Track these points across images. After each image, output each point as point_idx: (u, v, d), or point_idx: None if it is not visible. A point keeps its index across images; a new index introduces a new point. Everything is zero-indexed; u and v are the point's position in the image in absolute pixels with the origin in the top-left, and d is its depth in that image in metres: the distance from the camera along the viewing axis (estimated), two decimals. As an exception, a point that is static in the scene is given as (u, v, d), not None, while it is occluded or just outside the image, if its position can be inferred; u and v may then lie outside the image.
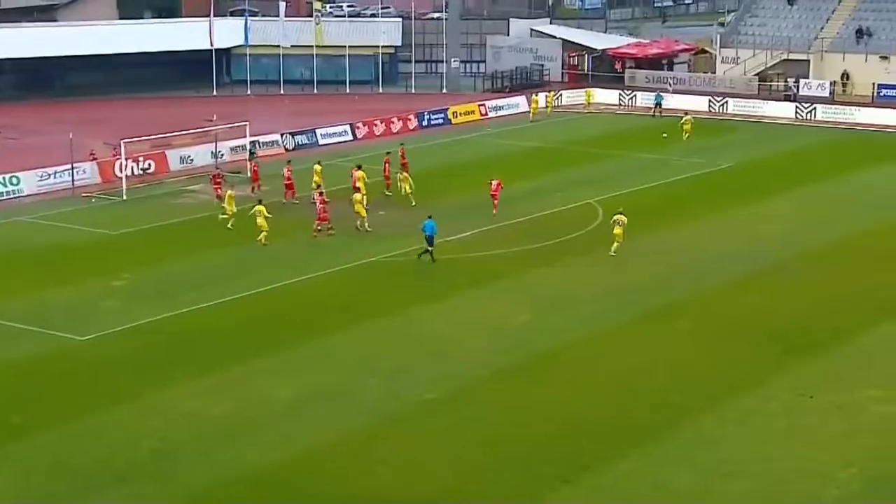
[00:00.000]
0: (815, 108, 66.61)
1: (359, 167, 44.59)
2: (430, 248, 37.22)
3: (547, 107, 67.96)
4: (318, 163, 47.02)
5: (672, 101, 67.81)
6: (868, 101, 68.30)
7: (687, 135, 58.54)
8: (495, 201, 43.42)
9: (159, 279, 36.05)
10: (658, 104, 66.12)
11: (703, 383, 27.73)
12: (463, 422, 25.60)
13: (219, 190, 44.72)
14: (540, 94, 69.35)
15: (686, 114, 60.46)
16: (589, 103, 70.07)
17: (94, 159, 49.92)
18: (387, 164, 47.31)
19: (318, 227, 40.53)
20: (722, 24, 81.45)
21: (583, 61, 79.60)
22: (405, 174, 45.90)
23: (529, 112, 66.92)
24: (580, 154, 55.57)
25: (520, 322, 32.04)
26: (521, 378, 28.12)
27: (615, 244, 37.86)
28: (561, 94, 71.24)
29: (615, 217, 38.48)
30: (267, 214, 39.60)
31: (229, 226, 41.07)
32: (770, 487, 22.73)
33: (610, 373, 28.43)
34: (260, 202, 40.55)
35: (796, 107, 67.37)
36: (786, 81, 71.88)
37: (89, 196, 47.50)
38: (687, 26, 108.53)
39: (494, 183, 43.89)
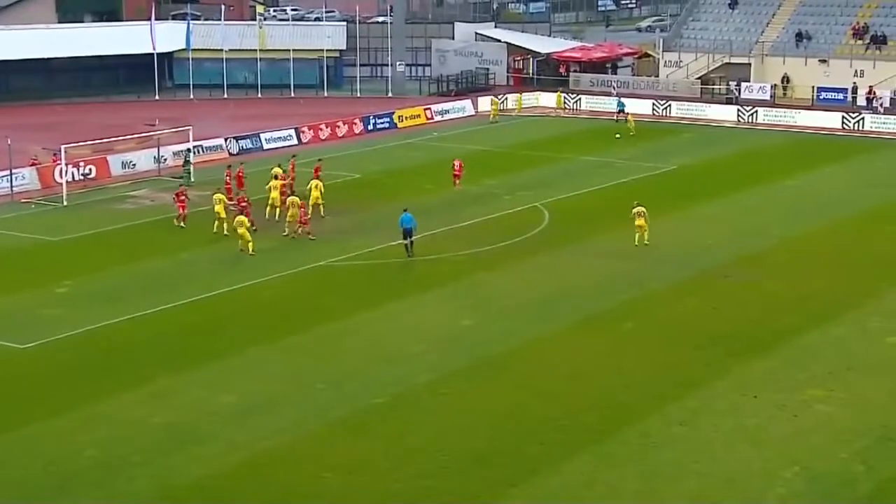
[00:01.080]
0: (756, 111, 67.54)
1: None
2: (407, 241, 37.70)
3: (517, 108, 68.99)
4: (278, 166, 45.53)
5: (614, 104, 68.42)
6: (808, 104, 69.40)
7: (630, 133, 59.95)
8: (457, 181, 47.95)
9: (102, 286, 35.61)
10: (621, 109, 66.45)
11: (648, 385, 27.97)
12: (409, 426, 25.59)
13: (183, 208, 42.01)
14: (501, 96, 70.03)
15: (628, 115, 62.45)
16: (520, 108, 70.39)
17: (35, 165, 49.18)
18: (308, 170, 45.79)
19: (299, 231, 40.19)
20: (639, 30, 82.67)
21: (528, 65, 80.00)
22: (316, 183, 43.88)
23: (490, 113, 67.57)
24: (526, 157, 55.81)
25: (465, 326, 32.10)
26: (467, 382, 28.16)
27: (638, 234, 39.09)
28: (508, 98, 71.49)
29: (635, 209, 39.29)
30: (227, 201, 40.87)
31: (250, 251, 38.60)
32: (716, 487, 22.98)
33: (555, 376, 28.57)
34: (218, 190, 41.79)
35: (738, 110, 68.25)
36: (727, 85, 72.81)
37: (29, 202, 46.80)
38: (631, 30, 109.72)
39: (457, 163, 48.40)
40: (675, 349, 30.42)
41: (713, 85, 73.82)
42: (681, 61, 76.56)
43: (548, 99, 72.62)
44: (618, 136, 58.86)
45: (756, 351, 30.21)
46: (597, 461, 23.94)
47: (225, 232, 40.36)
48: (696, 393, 27.41)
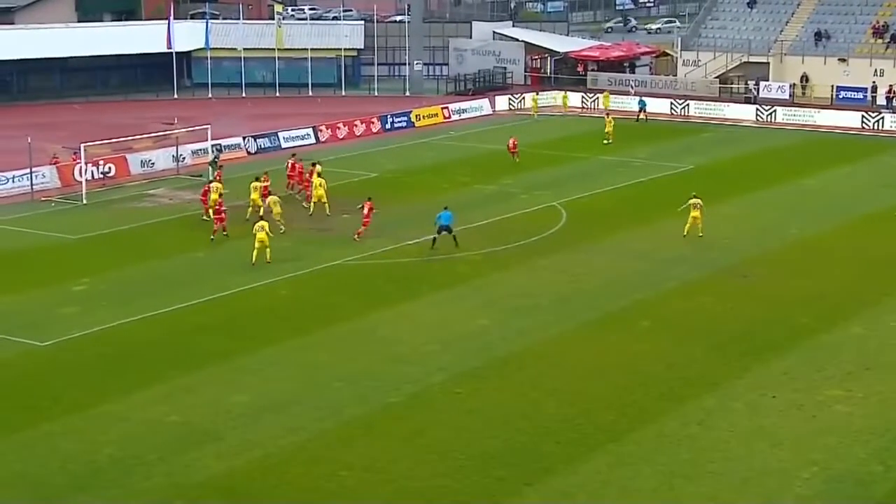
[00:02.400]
0: (775, 111, 67.22)
1: (315, 163, 45.33)
2: (451, 235, 38.36)
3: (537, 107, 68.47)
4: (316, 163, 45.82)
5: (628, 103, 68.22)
6: (827, 104, 69.03)
7: (608, 140, 58.18)
8: (515, 156, 52.75)
9: (119, 285, 35.73)
10: (642, 108, 66.29)
11: (664, 384, 27.87)
12: (425, 425, 25.56)
13: (221, 221, 41.23)
14: (539, 93, 70.49)
15: (608, 115, 60.44)
16: (566, 107, 69.92)
17: (56, 163, 49.38)
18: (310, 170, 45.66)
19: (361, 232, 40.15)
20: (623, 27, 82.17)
21: (545, 64, 79.88)
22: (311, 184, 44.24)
23: (531, 110, 68.22)
24: (544, 157, 55.73)
25: (480, 325, 32.05)
26: (483, 381, 28.12)
27: (690, 225, 39.78)
28: (525, 97, 71.35)
29: (691, 201, 40.12)
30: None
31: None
32: (733, 487, 22.87)
33: (571, 375, 28.50)
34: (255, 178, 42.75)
35: (757, 109, 67.95)
36: (746, 84, 72.52)
37: (49, 200, 47.02)
38: (649, 29, 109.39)
39: (511, 142, 53.16)
40: (692, 348, 30.30)
41: (732, 84, 73.52)
42: (699, 60, 76.30)
43: (572, 99, 72.37)
44: (606, 142, 57.95)
45: (773, 350, 30.05)
46: (613, 461, 23.86)
47: (246, 217, 41.36)
48: (713, 392, 27.29)
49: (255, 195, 42.58)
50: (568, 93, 71.22)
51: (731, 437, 24.97)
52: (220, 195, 41.97)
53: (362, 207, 40.19)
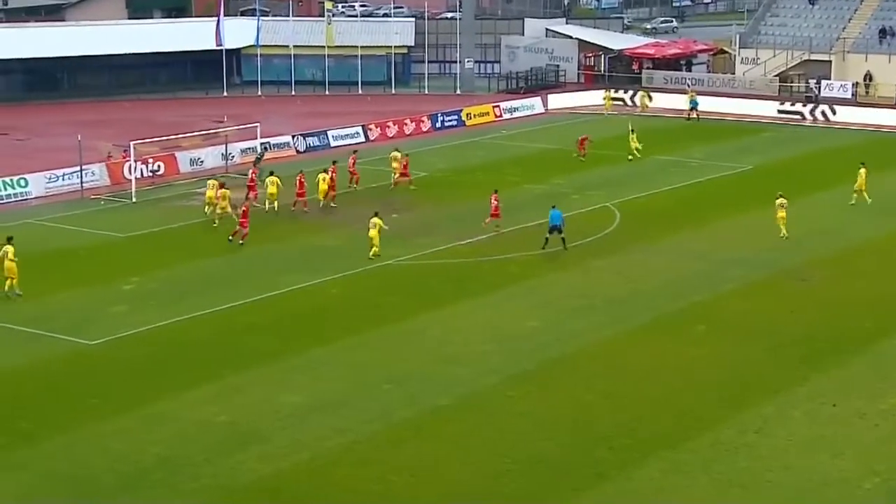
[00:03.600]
0: (837, 110, 66.27)
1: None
2: (560, 236, 38.39)
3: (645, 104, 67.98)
4: (397, 150, 49.24)
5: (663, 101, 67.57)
6: (892, 103, 67.96)
7: (632, 155, 54.34)
8: (582, 154, 53.51)
9: (169, 283, 36.11)
10: (694, 107, 65.79)
11: (720, 390, 27.59)
12: (475, 428, 25.53)
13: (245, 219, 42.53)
14: (613, 90, 70.46)
15: (633, 131, 55.39)
16: (645, 107, 69.14)
17: (110, 161, 49.76)
18: (352, 161, 47.78)
19: None
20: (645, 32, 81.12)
21: (599, 62, 79.51)
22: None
23: (639, 108, 68.15)
24: (597, 156, 55.44)
25: (532, 327, 31.96)
26: (534, 384, 28.03)
27: (781, 226, 39.95)
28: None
29: (777, 201, 40.31)
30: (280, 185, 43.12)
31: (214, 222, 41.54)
32: (791, 498, 22.58)
33: (625, 379, 28.31)
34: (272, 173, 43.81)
35: (818, 108, 67.01)
36: (807, 82, 71.61)
37: (98, 198, 47.61)
38: (705, 26, 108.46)
39: (583, 139, 53.90)
40: (750, 353, 29.97)
41: (792, 83, 72.64)
42: (758, 58, 75.48)
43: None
44: (631, 157, 56.66)
45: (835, 356, 29.64)
46: (667, 468, 23.65)
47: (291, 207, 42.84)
48: (772, 399, 26.97)
49: (272, 188, 43.74)
50: (649, 92, 70.29)
51: (790, 445, 24.65)
52: (247, 199, 42.95)
53: (494, 202, 40.79)
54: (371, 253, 37.83)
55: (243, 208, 40.58)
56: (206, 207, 43.41)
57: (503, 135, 62.04)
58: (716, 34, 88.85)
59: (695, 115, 65.35)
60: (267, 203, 43.81)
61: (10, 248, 34.40)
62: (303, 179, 44.72)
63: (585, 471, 23.59)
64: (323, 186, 44.47)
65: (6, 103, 69.84)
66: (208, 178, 45.33)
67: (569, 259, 38.39)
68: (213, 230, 42.22)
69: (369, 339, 31.15)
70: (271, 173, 44.05)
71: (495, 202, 40.92)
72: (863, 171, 43.77)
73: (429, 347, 30.47)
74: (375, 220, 38.17)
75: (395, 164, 48.54)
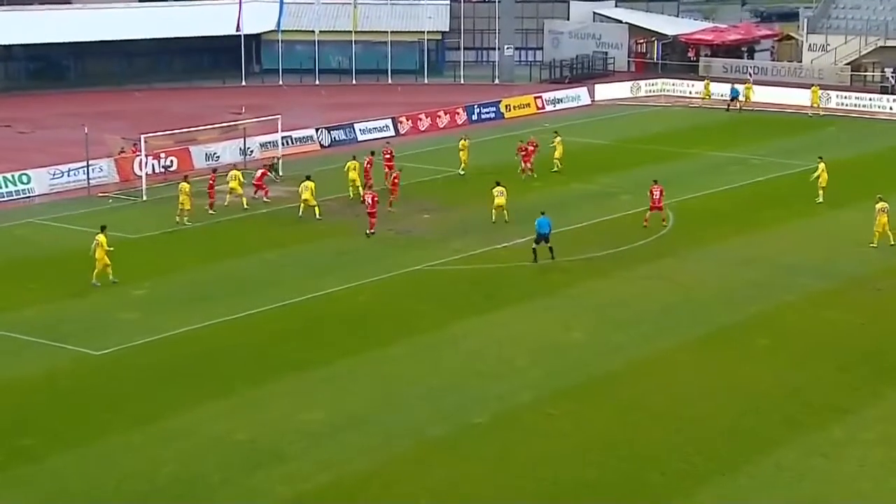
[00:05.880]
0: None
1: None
2: (547, 245, 38.15)
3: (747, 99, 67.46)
4: (465, 138, 51.59)
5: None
6: (977, 94, 67.55)
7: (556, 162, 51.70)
8: (528, 165, 50.23)
9: (182, 288, 36.53)
10: (735, 97, 65.79)
11: (784, 410, 27.59)
12: (512, 449, 25.69)
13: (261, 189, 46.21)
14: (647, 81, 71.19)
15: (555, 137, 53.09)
16: (708, 95, 69.18)
17: (123, 156, 50.22)
18: (369, 165, 47.55)
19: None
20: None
21: (651, 49, 79.45)
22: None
23: (702, 95, 68.31)
24: (648, 152, 55.46)
25: (575, 339, 32.09)
26: (577, 401, 28.15)
27: (881, 235, 39.45)
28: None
29: (879, 205, 39.77)
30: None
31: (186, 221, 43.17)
32: (859, 528, 22.61)
33: (677, 397, 28.37)
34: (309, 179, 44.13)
35: (894, 100, 66.70)
36: (882, 71, 71.20)
37: (106, 196, 48.16)
38: (769, 8, 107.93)
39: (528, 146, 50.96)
40: (816, 370, 29.94)
41: (865, 72, 72.25)
42: (828, 45, 75.18)
43: (675, 86, 71.73)
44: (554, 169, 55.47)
45: (908, 374, 29.57)
46: (724, 495, 23.71)
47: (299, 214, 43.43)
48: (841, 420, 26.94)
49: (234, 183, 44.93)
50: (710, 81, 70.18)
51: (861, 472, 24.63)
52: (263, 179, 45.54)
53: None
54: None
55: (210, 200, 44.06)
56: (228, 196, 45.20)
57: (546, 129, 62.16)
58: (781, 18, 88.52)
59: (736, 107, 65.30)
60: (301, 209, 43.71)
61: (102, 238, 36.21)
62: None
63: (634, 498, 23.69)
64: (353, 175, 46.03)
65: (8, 93, 70.84)
66: (230, 170, 46.68)
67: (615, 265, 38.47)
68: (228, 230, 42.68)
69: (399, 350, 31.40)
70: (308, 178, 44.28)
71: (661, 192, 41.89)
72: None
73: (462, 360, 30.67)
74: (500, 188, 42.04)
75: (462, 154, 50.28)
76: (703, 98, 68.79)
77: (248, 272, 38.07)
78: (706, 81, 69.87)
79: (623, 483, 24.23)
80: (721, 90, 68.81)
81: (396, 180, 45.53)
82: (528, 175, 49.21)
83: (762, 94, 67.75)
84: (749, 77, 72.55)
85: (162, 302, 35.18)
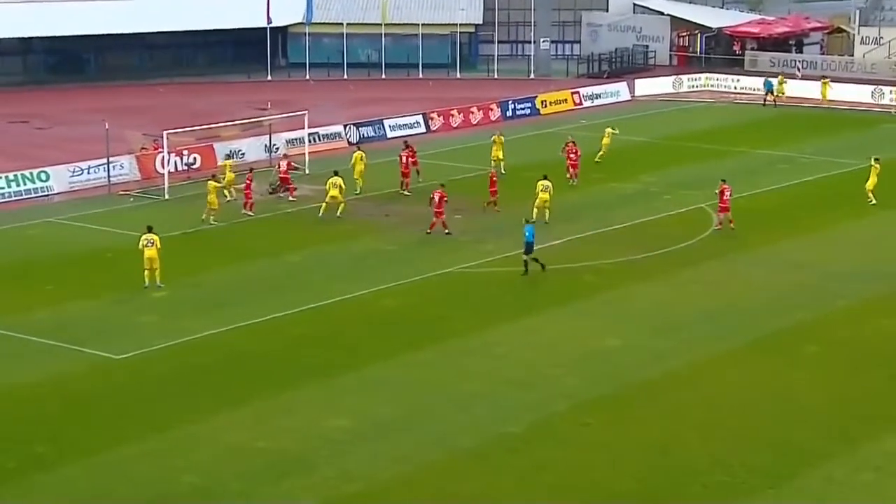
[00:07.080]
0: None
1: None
2: (525, 258, 37.27)
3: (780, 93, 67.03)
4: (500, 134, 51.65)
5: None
6: None
7: (600, 153, 52.96)
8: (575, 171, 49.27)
9: (205, 290, 36.65)
10: (770, 90, 65.47)
11: (833, 422, 27.37)
12: (546, 460, 25.59)
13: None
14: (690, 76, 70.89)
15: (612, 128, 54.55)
16: (825, 97, 67.98)
17: (146, 150, 50.38)
18: (404, 157, 47.79)
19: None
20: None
21: (694, 42, 79.15)
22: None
23: (820, 98, 67.16)
24: (692, 150, 55.21)
25: (612, 346, 31.96)
26: (614, 411, 28.03)
27: None
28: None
29: None
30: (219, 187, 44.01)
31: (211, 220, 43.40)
32: (912, 546, 22.37)
33: (720, 407, 28.19)
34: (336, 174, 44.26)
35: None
36: (938, 66, 70.65)
37: (127, 194, 48.43)
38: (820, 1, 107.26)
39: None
40: (867, 380, 29.71)
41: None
42: (881, 38, 74.60)
43: (720, 82, 71.36)
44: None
45: (966, 385, 29.25)
46: (769, 510, 23.54)
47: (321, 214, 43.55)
48: (894, 432, 26.67)
49: (334, 191, 43.66)
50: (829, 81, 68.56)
51: (914, 486, 24.41)
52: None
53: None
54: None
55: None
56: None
57: (583, 125, 61.99)
58: (832, 9, 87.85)
59: (771, 100, 65.00)
60: (324, 207, 43.79)
61: (155, 237, 36.19)
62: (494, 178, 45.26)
63: (673, 511, 23.56)
64: (360, 167, 47.04)
65: (27, 87, 71.42)
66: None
67: (655, 268, 38.30)
68: (251, 231, 42.83)
69: (428, 356, 31.36)
70: (335, 173, 44.32)
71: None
72: None
73: (494, 367, 30.59)
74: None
75: (496, 151, 50.25)
76: (822, 100, 67.24)
77: (271, 274, 38.14)
78: (825, 81, 67.90)
79: (662, 496, 24.10)
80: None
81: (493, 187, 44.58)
82: (573, 182, 48.56)
83: (811, 90, 67.05)
84: (797, 72, 72.17)
85: (182, 304, 35.31)
